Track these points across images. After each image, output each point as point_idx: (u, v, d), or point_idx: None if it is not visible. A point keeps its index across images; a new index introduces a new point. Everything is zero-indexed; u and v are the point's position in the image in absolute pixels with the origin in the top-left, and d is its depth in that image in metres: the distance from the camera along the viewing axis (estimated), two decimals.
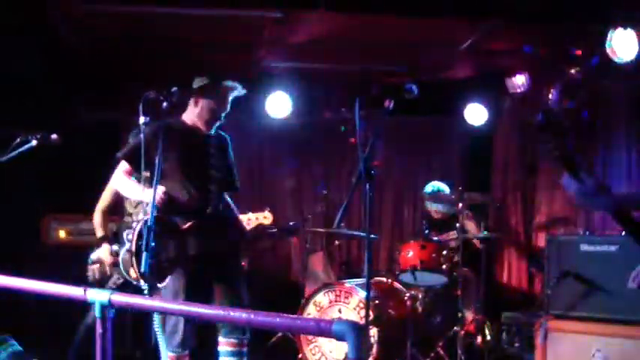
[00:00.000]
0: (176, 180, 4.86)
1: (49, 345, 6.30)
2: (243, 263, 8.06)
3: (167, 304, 2.69)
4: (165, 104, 4.49)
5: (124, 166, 4.98)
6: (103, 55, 7.61)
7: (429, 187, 7.85)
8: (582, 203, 3.26)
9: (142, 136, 4.58)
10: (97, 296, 2.86)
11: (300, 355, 6.47)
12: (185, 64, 7.75)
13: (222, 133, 5.23)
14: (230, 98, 5.07)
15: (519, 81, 7.70)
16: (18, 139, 5.42)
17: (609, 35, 6.15)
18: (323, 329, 2.19)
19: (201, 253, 4.77)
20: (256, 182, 9.08)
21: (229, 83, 5.06)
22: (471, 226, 7.60)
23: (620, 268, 5.35)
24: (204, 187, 4.91)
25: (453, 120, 9.01)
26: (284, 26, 6.67)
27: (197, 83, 5.01)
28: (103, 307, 2.86)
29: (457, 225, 6.89)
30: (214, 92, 5.00)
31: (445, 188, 7.79)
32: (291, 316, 2.28)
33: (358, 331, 2.12)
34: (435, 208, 7.90)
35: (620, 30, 6.07)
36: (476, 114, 8.57)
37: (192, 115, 5.05)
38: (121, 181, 4.99)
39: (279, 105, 8.29)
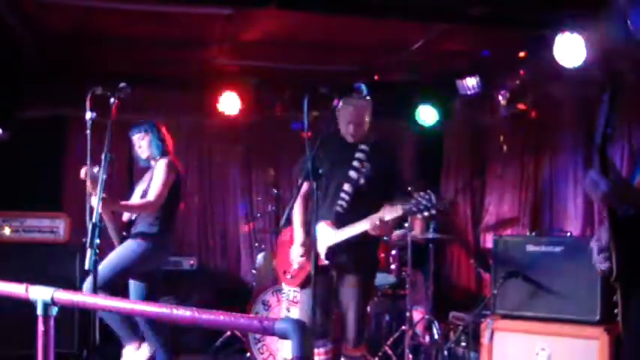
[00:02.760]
0: None
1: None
2: (191, 261, 8.06)
3: (110, 302, 2.66)
4: (112, 100, 4.45)
5: None
6: (52, 50, 7.50)
7: None
8: (610, 200, 3.29)
9: None
10: (39, 294, 2.81)
11: (248, 354, 6.46)
12: (135, 60, 7.70)
13: None
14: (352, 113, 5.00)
15: (470, 83, 7.76)
16: None
17: (557, 39, 6.23)
18: (266, 327, 2.18)
19: None
20: (206, 181, 9.04)
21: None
22: (417, 225, 7.64)
23: (564, 268, 5.45)
24: None
25: (404, 121, 9.05)
26: (234, 23, 6.64)
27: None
28: (46, 305, 2.81)
29: (405, 225, 6.91)
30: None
31: None
32: (235, 314, 2.27)
33: (302, 330, 2.12)
34: None
35: (567, 34, 6.16)
36: (426, 115, 8.62)
37: None
38: None
39: (229, 103, 8.25)
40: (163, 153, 5.82)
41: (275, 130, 8.88)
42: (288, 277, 5.04)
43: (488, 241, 8.32)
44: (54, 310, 2.84)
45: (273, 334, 2.16)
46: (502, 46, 7.18)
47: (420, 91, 8.63)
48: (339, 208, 4.88)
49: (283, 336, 2.14)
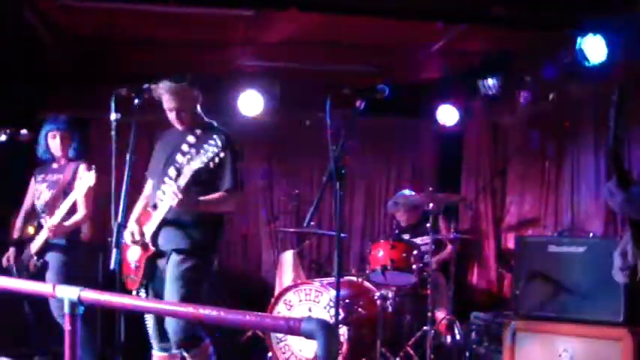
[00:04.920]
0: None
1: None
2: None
3: (137, 301, 2.69)
4: (136, 101, 4.48)
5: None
6: (75, 51, 7.56)
7: (392, 202, 7.90)
8: (628, 211, 3.29)
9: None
10: (66, 293, 2.85)
11: (269, 354, 6.47)
12: (157, 62, 7.73)
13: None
14: (171, 95, 4.93)
15: (490, 83, 7.74)
16: None
17: (579, 40, 6.22)
18: (293, 327, 2.20)
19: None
20: None
21: (166, 84, 4.93)
22: (442, 226, 7.65)
23: (587, 269, 5.42)
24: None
25: (425, 121, 9.05)
26: (256, 25, 6.67)
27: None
28: (72, 304, 2.85)
29: (427, 226, 6.90)
30: (162, 95, 4.96)
31: (406, 192, 7.84)
32: (261, 314, 2.29)
33: (327, 330, 2.13)
34: (402, 210, 7.92)
35: (589, 35, 6.15)
36: (447, 115, 8.61)
37: None
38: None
39: (250, 104, 8.28)
40: None
41: (296, 130, 8.89)
42: (131, 279, 4.93)
43: (510, 241, 8.31)
44: (80, 309, 2.88)
45: (299, 333, 2.18)
46: (523, 45, 7.16)
47: (440, 90, 8.62)
48: (161, 193, 4.85)
49: (309, 336, 2.16)
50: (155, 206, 4.87)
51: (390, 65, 7.95)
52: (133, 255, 4.92)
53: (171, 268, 4.79)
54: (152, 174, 5.08)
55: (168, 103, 4.92)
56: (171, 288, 4.75)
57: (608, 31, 6.14)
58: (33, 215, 6.21)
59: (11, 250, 6.09)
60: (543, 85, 7.47)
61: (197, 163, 4.61)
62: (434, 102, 8.64)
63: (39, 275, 5.92)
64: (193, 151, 4.76)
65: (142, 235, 4.84)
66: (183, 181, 4.62)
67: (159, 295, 4.83)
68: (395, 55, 7.68)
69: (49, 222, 5.76)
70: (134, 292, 4.88)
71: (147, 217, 4.92)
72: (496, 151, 8.89)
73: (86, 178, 5.68)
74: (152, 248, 4.84)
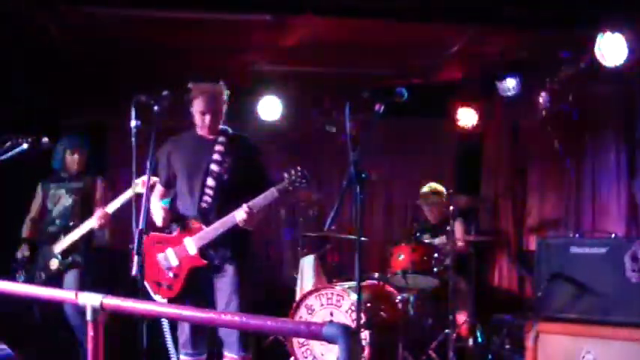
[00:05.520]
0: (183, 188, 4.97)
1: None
2: None
3: (159, 307, 2.69)
4: (156, 108, 4.49)
5: (158, 187, 5.17)
6: (93, 58, 7.60)
7: (426, 187, 7.83)
8: None
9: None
10: (89, 299, 2.86)
11: (291, 359, 6.47)
12: (175, 67, 7.76)
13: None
14: (217, 101, 4.97)
15: (510, 84, 7.72)
16: (9, 143, 5.42)
17: (598, 39, 6.19)
18: (314, 332, 2.20)
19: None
20: None
21: (211, 85, 5.01)
22: (458, 228, 7.62)
23: (609, 270, 5.38)
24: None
25: (444, 123, 9.03)
26: (273, 30, 6.69)
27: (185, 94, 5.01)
28: (95, 311, 2.86)
29: (447, 228, 6.89)
30: (198, 97, 4.96)
31: (441, 188, 7.77)
32: (282, 319, 2.29)
33: (349, 334, 2.13)
34: (430, 206, 7.89)
35: (608, 34, 6.11)
36: (466, 117, 8.59)
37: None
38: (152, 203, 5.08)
39: (270, 108, 8.30)
40: None
41: (315, 133, 8.89)
42: (165, 286, 4.90)
43: (531, 242, 8.26)
44: (102, 316, 2.89)
45: (320, 338, 2.18)
46: (542, 46, 7.13)
47: (459, 92, 8.60)
48: (204, 205, 4.85)
49: (331, 340, 2.16)
50: (205, 217, 4.84)
51: (410, 67, 7.95)
52: (169, 262, 4.89)
53: (226, 280, 4.85)
54: (182, 181, 4.99)
55: (206, 105, 4.90)
56: (228, 299, 4.82)
57: (628, 30, 6.10)
58: (40, 222, 6.42)
59: (25, 246, 6.31)
60: (563, 85, 7.44)
61: (236, 172, 4.66)
62: (453, 103, 8.62)
63: (57, 276, 6.13)
64: (229, 160, 4.83)
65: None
66: (233, 194, 4.69)
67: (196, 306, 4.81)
68: (414, 57, 7.67)
69: (100, 212, 6.02)
70: (163, 299, 4.89)
71: (195, 227, 4.86)
72: (516, 152, 8.85)
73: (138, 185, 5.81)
74: (204, 261, 4.83)
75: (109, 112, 8.10)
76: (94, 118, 8.44)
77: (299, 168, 4.79)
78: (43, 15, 6.45)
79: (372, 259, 8.91)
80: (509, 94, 7.81)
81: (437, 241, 7.42)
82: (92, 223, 6.03)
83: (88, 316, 2.87)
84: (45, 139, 5.64)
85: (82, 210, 6.20)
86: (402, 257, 6.76)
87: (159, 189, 5.15)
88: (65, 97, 8.17)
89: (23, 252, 6.28)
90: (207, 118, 4.92)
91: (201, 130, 5.00)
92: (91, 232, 6.20)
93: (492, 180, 9.09)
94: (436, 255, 6.79)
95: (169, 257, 4.90)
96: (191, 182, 4.91)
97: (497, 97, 8.11)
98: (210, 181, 4.85)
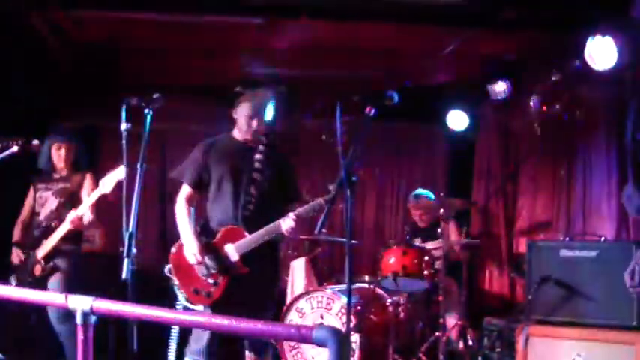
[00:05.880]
0: (221, 193, 4.91)
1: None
2: None
3: (151, 311, 2.69)
4: (147, 110, 4.48)
5: (184, 189, 5.04)
6: (85, 60, 7.60)
7: (414, 195, 7.87)
8: None
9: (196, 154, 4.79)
10: (79, 303, 2.85)
11: None
12: (167, 70, 7.76)
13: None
14: (266, 106, 4.95)
15: (500, 87, 7.73)
16: None
17: (588, 43, 6.21)
18: (304, 335, 2.20)
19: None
20: None
21: (261, 91, 4.98)
22: (452, 231, 7.65)
23: (599, 273, 5.41)
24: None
25: (435, 126, 9.04)
26: (266, 33, 6.69)
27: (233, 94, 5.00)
28: (85, 314, 2.85)
29: (439, 231, 6.91)
30: (244, 99, 4.95)
31: (430, 195, 7.81)
32: (273, 322, 2.29)
33: (339, 337, 2.13)
34: (419, 212, 7.92)
35: (598, 38, 6.13)
36: (457, 120, 8.60)
37: (237, 127, 5.04)
38: (178, 210, 5.02)
39: None
40: None
41: (306, 137, 8.90)
42: (204, 294, 4.84)
43: (522, 245, 8.28)
44: (93, 319, 2.88)
45: (310, 341, 2.18)
46: (533, 49, 7.15)
47: (450, 95, 8.61)
48: (246, 212, 4.84)
49: (321, 344, 2.16)
50: (247, 225, 4.81)
51: (401, 70, 7.95)
52: (209, 269, 4.83)
53: (262, 287, 4.89)
54: (223, 186, 4.94)
55: (255, 110, 4.91)
56: (264, 305, 4.87)
57: (618, 34, 6.12)
58: (30, 225, 6.35)
59: (19, 251, 6.25)
60: (554, 88, 7.46)
61: (274, 182, 4.74)
62: (444, 107, 8.63)
63: (43, 281, 6.05)
64: (268, 169, 4.86)
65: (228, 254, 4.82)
66: (271, 203, 4.71)
67: (226, 314, 4.76)
68: (405, 61, 7.68)
69: (72, 214, 5.90)
70: (200, 307, 4.83)
71: (237, 234, 4.83)
72: (507, 155, 8.87)
73: (104, 185, 5.74)
74: (246, 268, 4.80)
75: (101, 115, 8.07)
76: (87, 121, 8.43)
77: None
78: (37, 18, 6.44)
79: (363, 262, 8.92)
80: (500, 97, 7.82)
81: (430, 244, 7.43)
82: (66, 225, 5.94)
83: (78, 320, 2.86)
84: (35, 142, 5.64)
85: (68, 212, 6.02)
86: (392, 260, 6.77)
87: (186, 191, 5.05)
88: (59, 100, 8.16)
89: (20, 256, 6.20)
90: (254, 123, 4.90)
91: (244, 136, 4.99)
92: (77, 235, 6.17)
93: (483, 183, 9.09)
94: (427, 258, 6.80)
95: (209, 264, 4.83)
96: (235, 189, 4.87)
97: (488, 101, 8.12)
98: (252, 189, 4.84)
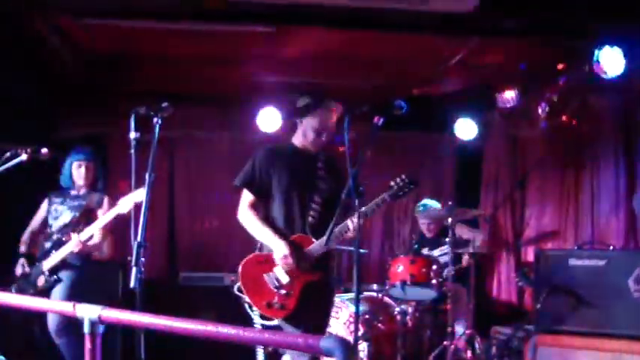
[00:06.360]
0: (283, 201, 4.84)
1: None
2: (232, 277, 8.12)
3: (155, 319, 2.69)
4: (155, 120, 4.48)
5: (246, 195, 4.94)
6: (92, 69, 7.62)
7: (420, 206, 7.85)
8: None
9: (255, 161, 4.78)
10: (86, 312, 2.86)
11: None
12: (175, 79, 7.77)
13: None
14: (334, 117, 4.88)
15: (508, 96, 7.73)
16: (8, 154, 5.43)
17: (596, 52, 6.21)
18: (311, 345, 2.20)
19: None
20: None
21: (330, 102, 4.91)
22: (464, 231, 7.63)
23: (608, 282, 5.39)
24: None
25: (443, 135, 9.03)
26: (274, 41, 6.70)
27: (300, 103, 4.94)
28: (92, 323, 2.86)
29: (447, 240, 6.89)
30: (315, 111, 4.87)
31: (436, 204, 7.79)
32: (280, 331, 2.29)
33: (346, 347, 2.13)
34: (427, 221, 7.91)
35: (607, 47, 6.13)
36: (465, 129, 8.58)
37: (299, 136, 4.97)
38: (246, 216, 4.92)
39: (269, 120, 8.30)
40: None
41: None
42: (277, 306, 4.64)
43: (530, 254, 8.26)
44: (100, 328, 2.89)
45: (318, 351, 2.18)
46: (541, 58, 7.15)
47: (458, 104, 8.60)
48: (311, 220, 4.78)
49: (328, 353, 2.16)
50: (313, 232, 4.73)
51: (409, 79, 7.96)
52: (279, 280, 4.69)
53: (329, 291, 4.87)
54: (289, 194, 4.84)
55: (325, 121, 4.85)
56: (326, 315, 4.83)
57: (626, 43, 6.12)
58: (40, 236, 6.41)
59: (23, 260, 6.27)
60: (562, 97, 7.45)
61: (334, 190, 4.65)
62: (452, 115, 8.63)
63: (45, 292, 6.05)
64: (330, 177, 4.82)
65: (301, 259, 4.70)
66: (333, 210, 4.57)
67: (303, 324, 4.63)
68: (413, 69, 7.68)
69: (80, 235, 5.94)
70: (273, 322, 4.66)
71: (305, 241, 4.73)
72: (515, 163, 8.86)
73: (122, 205, 5.74)
74: (318, 274, 4.70)
75: (107, 123, 8.11)
76: (93, 129, 8.45)
77: (404, 175, 4.79)
78: (42, 26, 6.46)
79: (371, 270, 8.91)
80: (508, 105, 7.81)
81: (436, 252, 7.42)
82: (71, 246, 5.98)
83: (86, 329, 2.87)
84: (44, 150, 5.64)
85: (82, 227, 6.07)
86: (400, 269, 6.76)
87: (249, 197, 4.93)
88: (65, 108, 8.18)
89: (24, 268, 6.21)
90: (324, 134, 4.86)
91: (307, 144, 4.93)
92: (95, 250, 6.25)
93: (492, 192, 9.08)
94: (435, 267, 6.79)
95: (279, 275, 4.69)
96: (300, 197, 4.81)
97: (496, 109, 8.11)
98: (317, 197, 4.79)
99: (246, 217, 4.88)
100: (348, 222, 4.56)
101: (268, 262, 4.72)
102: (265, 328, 4.67)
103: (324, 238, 4.60)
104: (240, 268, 4.76)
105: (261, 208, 4.93)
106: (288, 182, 4.83)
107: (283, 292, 4.64)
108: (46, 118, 7.85)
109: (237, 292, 4.75)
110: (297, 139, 4.96)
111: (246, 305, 4.76)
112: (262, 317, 4.69)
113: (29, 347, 6.55)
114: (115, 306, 2.93)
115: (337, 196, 4.55)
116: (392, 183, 4.75)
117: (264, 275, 4.70)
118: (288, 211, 4.81)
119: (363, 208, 4.57)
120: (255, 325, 4.81)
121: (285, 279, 4.66)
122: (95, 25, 6.40)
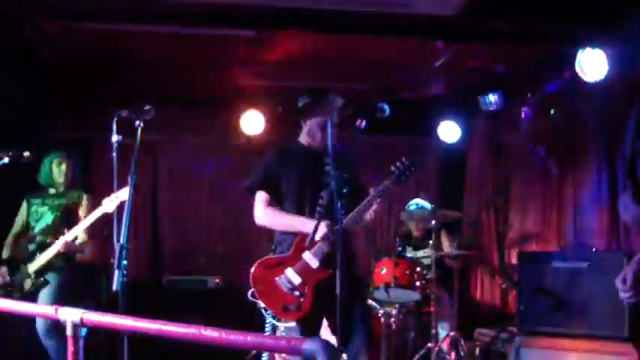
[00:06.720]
0: (294, 201, 4.82)
1: None
2: (217, 280, 8.12)
3: (138, 322, 2.68)
4: (137, 122, 4.47)
5: (262, 195, 4.91)
6: (77, 72, 7.59)
7: (412, 205, 7.81)
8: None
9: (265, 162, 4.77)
10: (69, 315, 2.84)
11: None
12: (159, 82, 7.76)
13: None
14: (336, 110, 4.77)
15: (492, 99, 7.75)
16: None
17: (579, 55, 6.24)
18: (294, 348, 2.19)
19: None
20: (231, 200, 9.06)
21: (329, 95, 4.91)
22: (445, 241, 7.63)
23: (591, 284, 5.42)
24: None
25: (427, 138, 9.05)
26: (258, 45, 6.69)
27: (300, 102, 4.91)
28: (75, 326, 2.84)
29: (430, 242, 6.91)
30: (317, 108, 4.85)
31: (426, 205, 7.76)
32: (263, 334, 2.28)
33: (329, 350, 2.13)
34: (416, 220, 7.88)
35: (589, 50, 6.16)
36: (449, 132, 8.61)
37: (305, 135, 4.96)
38: (267, 213, 4.90)
39: (252, 123, 8.30)
40: None
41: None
42: (294, 308, 4.61)
43: (513, 256, 8.29)
44: (83, 331, 2.87)
45: (301, 354, 2.18)
46: (524, 61, 7.18)
47: (442, 107, 8.63)
48: (318, 217, 4.70)
49: (311, 356, 2.16)
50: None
51: (392, 83, 7.97)
52: (292, 282, 4.64)
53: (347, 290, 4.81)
54: (297, 194, 4.84)
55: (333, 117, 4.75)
56: (351, 301, 4.66)
57: (608, 46, 6.15)
58: (23, 238, 6.34)
59: (4, 268, 6.19)
60: (544, 100, 7.49)
61: (344, 185, 4.62)
62: (436, 119, 8.65)
63: (32, 295, 6.01)
64: (344, 169, 4.74)
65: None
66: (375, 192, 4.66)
67: (315, 325, 4.70)
68: (396, 73, 7.69)
69: (65, 237, 5.91)
70: (290, 323, 4.64)
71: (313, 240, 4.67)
72: (498, 167, 8.88)
73: (107, 205, 5.70)
74: (329, 271, 4.59)
75: (93, 126, 8.07)
76: (79, 132, 8.42)
77: (403, 158, 4.82)
78: (28, 28, 6.43)
79: None
80: (491, 109, 7.84)
81: (420, 253, 7.43)
82: (57, 247, 5.96)
83: (68, 332, 2.86)
84: (26, 153, 5.62)
85: (64, 227, 6.04)
86: (384, 271, 6.77)
87: (263, 196, 4.92)
88: (51, 111, 8.15)
89: (4, 277, 6.13)
90: (335, 129, 4.83)
91: (313, 142, 4.93)
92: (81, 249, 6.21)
93: (475, 194, 9.11)
94: (418, 269, 6.80)
95: (290, 277, 4.65)
96: (307, 196, 4.80)
97: (479, 113, 8.14)
98: (326, 194, 4.72)
99: (269, 214, 4.89)
100: (380, 188, 4.72)
101: (279, 265, 4.70)
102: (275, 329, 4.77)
103: (353, 213, 4.62)
104: (251, 275, 4.72)
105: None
106: (297, 182, 4.84)
107: (297, 293, 4.62)
108: (32, 121, 7.80)
109: (251, 298, 4.71)
110: (304, 138, 4.97)
111: (262, 310, 4.71)
112: (277, 320, 4.68)
113: (17, 350, 6.51)
114: (102, 308, 2.93)
115: (353, 185, 4.57)
116: (392, 168, 4.75)
117: (276, 279, 4.67)
118: (300, 210, 4.81)
119: (367, 199, 4.60)
120: (266, 328, 4.83)
121: (297, 280, 4.63)
122: (79, 27, 6.37)
